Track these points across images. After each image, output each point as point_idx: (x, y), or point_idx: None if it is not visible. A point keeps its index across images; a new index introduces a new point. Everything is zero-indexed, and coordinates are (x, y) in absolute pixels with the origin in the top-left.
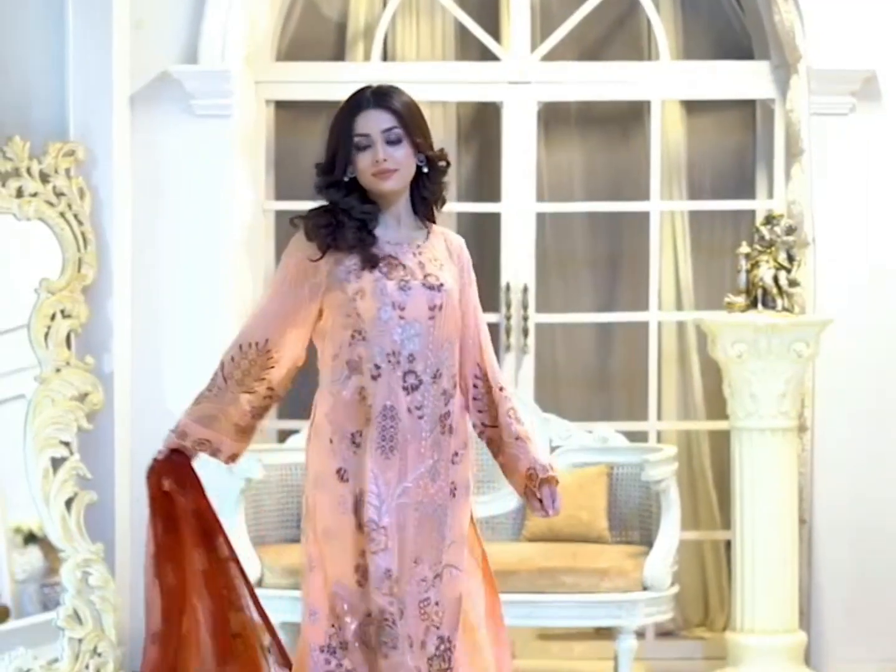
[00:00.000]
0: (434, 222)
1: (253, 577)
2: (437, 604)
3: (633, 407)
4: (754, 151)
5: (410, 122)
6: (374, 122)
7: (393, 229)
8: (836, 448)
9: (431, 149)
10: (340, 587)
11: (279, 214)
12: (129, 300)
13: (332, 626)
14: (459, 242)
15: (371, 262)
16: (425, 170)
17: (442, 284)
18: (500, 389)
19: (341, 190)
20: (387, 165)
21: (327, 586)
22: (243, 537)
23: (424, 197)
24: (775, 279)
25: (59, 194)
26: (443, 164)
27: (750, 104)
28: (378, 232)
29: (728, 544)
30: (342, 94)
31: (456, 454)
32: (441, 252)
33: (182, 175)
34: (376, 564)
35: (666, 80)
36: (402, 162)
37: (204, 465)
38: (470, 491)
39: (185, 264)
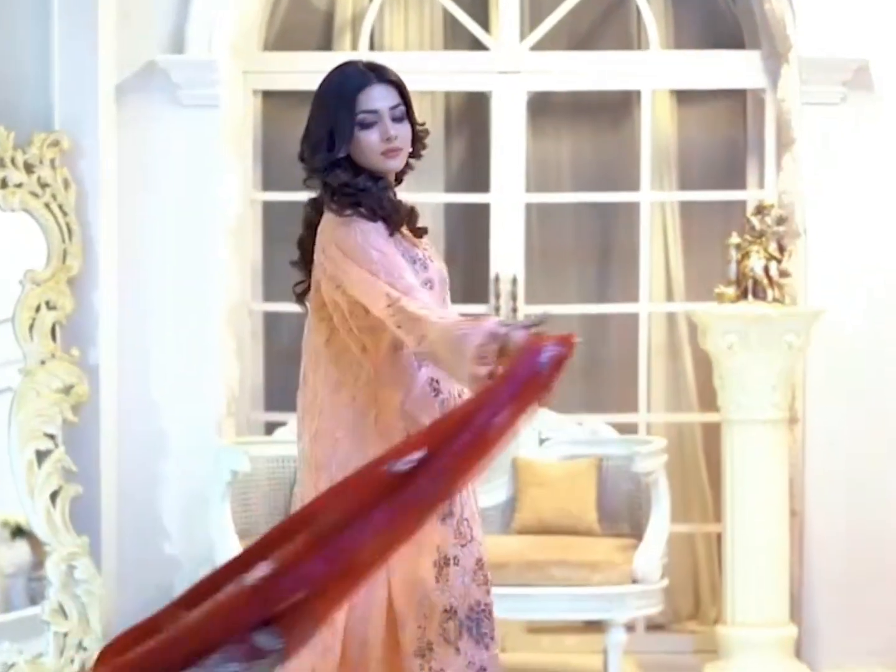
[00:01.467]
0: None
1: None
2: None
3: (623, 399)
4: (745, 141)
5: (408, 99)
6: (381, 99)
7: None
8: (828, 439)
9: (417, 127)
10: (423, 586)
11: (266, 205)
12: (115, 291)
13: (419, 627)
14: None
15: (424, 231)
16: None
17: (444, 267)
18: None
19: (347, 170)
20: (397, 143)
21: (408, 589)
22: (230, 530)
23: (399, 178)
24: (766, 270)
25: (43, 185)
26: (422, 145)
27: (741, 94)
28: None
29: (719, 537)
30: None
31: None
32: None
33: (169, 165)
34: (467, 557)
35: (656, 69)
36: (407, 140)
37: (190, 458)
38: None
39: (172, 255)
